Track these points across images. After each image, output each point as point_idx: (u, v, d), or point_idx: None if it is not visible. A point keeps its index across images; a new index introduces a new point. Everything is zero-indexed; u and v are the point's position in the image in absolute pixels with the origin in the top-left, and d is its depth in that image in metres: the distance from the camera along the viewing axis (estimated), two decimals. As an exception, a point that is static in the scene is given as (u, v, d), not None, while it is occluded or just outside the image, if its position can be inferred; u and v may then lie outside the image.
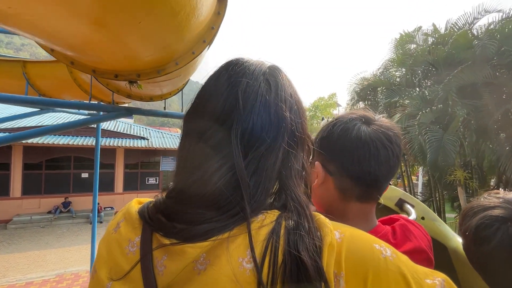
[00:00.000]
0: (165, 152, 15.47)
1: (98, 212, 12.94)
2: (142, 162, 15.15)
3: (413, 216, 0.87)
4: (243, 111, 0.42)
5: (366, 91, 9.22)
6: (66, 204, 13.02)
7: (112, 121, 17.50)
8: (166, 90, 3.00)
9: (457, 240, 0.92)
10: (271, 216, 0.39)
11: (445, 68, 7.04)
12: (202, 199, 0.40)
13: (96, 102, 3.12)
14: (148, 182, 15.30)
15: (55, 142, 12.09)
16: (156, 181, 15.51)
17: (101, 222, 12.89)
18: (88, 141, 12.98)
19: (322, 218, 0.40)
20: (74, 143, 12.51)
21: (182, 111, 3.57)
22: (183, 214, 0.40)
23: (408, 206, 0.98)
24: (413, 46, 8.37)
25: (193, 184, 0.41)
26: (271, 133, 0.42)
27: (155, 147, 14.33)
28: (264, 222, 0.37)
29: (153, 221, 0.42)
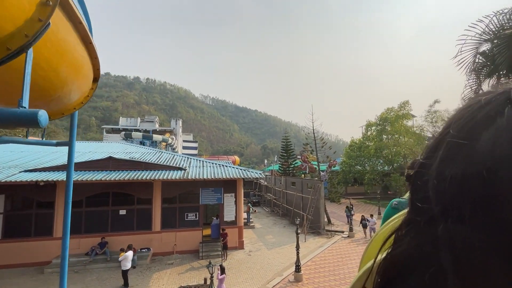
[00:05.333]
0: (205, 184, 13.75)
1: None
2: (180, 195, 13.67)
3: None
4: None
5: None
6: (103, 245, 12.13)
7: (154, 151, 17.03)
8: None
9: None
10: None
11: None
12: None
13: None
14: (187, 218, 13.61)
15: (93, 179, 11.54)
16: (196, 217, 13.71)
17: (134, 267, 11.44)
18: (128, 176, 12.18)
19: None
20: (112, 178, 11.80)
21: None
22: None
23: None
24: None
25: None
26: None
27: (192, 178, 12.69)
28: None
29: None
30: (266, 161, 66.31)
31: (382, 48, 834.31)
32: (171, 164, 14.18)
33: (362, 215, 16.94)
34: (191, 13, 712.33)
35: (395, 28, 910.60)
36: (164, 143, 55.36)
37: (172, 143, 58.24)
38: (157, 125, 72.12)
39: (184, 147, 77.82)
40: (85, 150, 16.79)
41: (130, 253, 10.01)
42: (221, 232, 12.93)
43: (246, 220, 18.88)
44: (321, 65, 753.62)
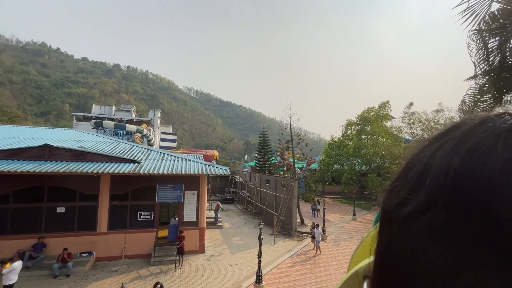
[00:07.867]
0: (163, 180, 12.12)
1: (65, 261, 9.83)
2: (133, 192, 11.96)
3: None
4: None
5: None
6: (38, 247, 10.25)
7: (111, 141, 15.09)
8: None
9: None
10: None
11: None
12: None
13: None
14: (140, 218, 11.95)
15: (18, 170, 9.58)
16: (150, 217, 12.08)
17: (68, 276, 9.68)
18: (66, 167, 10.30)
19: None
20: (44, 170, 9.89)
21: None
22: None
23: None
24: None
25: None
26: None
27: (145, 172, 11.02)
28: None
29: None
30: (246, 156, 64.95)
31: (367, 50, 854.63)
32: (125, 156, 12.40)
33: (313, 222, 14.59)
34: (179, 1, 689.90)
35: (379, 31, 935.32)
36: (138, 134, 52.34)
37: (148, 135, 55.18)
38: (133, 115, 68.16)
39: (162, 139, 74.38)
40: (28, 136, 14.54)
41: (17, 264, 8.06)
42: (178, 234, 11.42)
43: (214, 220, 17.46)
44: (308, 65, 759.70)
